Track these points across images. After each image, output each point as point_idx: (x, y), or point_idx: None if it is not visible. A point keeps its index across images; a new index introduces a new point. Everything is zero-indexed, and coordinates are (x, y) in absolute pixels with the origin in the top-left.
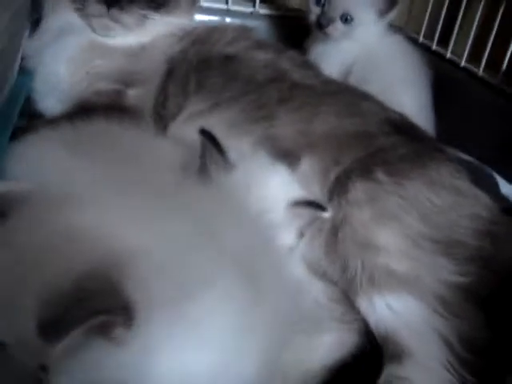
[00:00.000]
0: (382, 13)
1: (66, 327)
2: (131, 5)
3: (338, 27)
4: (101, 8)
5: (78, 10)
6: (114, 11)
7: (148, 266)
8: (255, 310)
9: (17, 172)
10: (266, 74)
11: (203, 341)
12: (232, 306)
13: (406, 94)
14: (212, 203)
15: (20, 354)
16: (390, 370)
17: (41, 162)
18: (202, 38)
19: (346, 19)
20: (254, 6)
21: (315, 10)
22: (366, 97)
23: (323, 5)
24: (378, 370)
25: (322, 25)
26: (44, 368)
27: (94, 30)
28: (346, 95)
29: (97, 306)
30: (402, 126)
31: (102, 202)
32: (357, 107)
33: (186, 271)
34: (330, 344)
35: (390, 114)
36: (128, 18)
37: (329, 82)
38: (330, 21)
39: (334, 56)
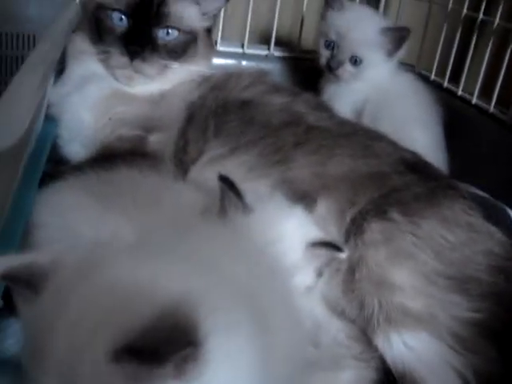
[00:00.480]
0: (391, 52)
1: (165, 353)
2: (153, 56)
3: (347, 69)
4: (124, 60)
5: (101, 60)
6: (137, 62)
7: (207, 305)
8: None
9: (43, 218)
10: (281, 118)
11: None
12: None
13: (419, 131)
14: (228, 243)
15: None
16: None
17: (67, 209)
18: (220, 83)
19: (355, 61)
20: (268, 48)
21: (325, 54)
22: (379, 137)
23: (333, 48)
24: None
25: (332, 67)
26: None
27: (117, 80)
28: (359, 137)
29: (177, 341)
30: (415, 165)
31: (134, 256)
32: (370, 148)
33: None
34: (348, 381)
35: (404, 154)
36: (150, 68)
37: (343, 124)
38: (340, 63)
39: (346, 96)
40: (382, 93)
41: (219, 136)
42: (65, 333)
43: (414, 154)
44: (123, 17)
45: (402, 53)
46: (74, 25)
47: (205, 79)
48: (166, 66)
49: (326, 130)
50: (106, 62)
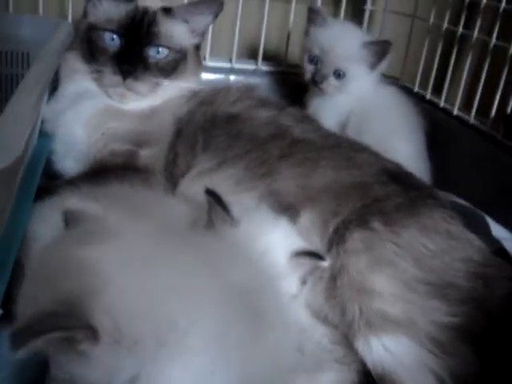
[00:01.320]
0: (373, 65)
1: (27, 336)
2: (144, 74)
3: (331, 83)
4: (117, 79)
5: (94, 79)
6: (129, 81)
7: (117, 300)
8: (253, 342)
9: (39, 231)
10: (267, 131)
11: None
12: (227, 336)
13: (401, 142)
14: (215, 249)
15: None
16: None
17: (61, 222)
18: (208, 98)
19: (339, 75)
20: (256, 63)
21: (309, 68)
22: (362, 149)
23: (316, 63)
24: None
25: (316, 82)
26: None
27: (109, 97)
28: (343, 148)
29: (60, 323)
30: (397, 176)
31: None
32: (353, 160)
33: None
34: (329, 382)
35: (386, 164)
36: (142, 86)
37: (327, 136)
38: (324, 77)
39: (331, 109)
40: (366, 105)
41: (207, 150)
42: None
43: (396, 164)
44: (115, 36)
45: (384, 65)
46: (66, 44)
47: (194, 94)
48: (157, 84)
49: (310, 142)
50: (99, 80)
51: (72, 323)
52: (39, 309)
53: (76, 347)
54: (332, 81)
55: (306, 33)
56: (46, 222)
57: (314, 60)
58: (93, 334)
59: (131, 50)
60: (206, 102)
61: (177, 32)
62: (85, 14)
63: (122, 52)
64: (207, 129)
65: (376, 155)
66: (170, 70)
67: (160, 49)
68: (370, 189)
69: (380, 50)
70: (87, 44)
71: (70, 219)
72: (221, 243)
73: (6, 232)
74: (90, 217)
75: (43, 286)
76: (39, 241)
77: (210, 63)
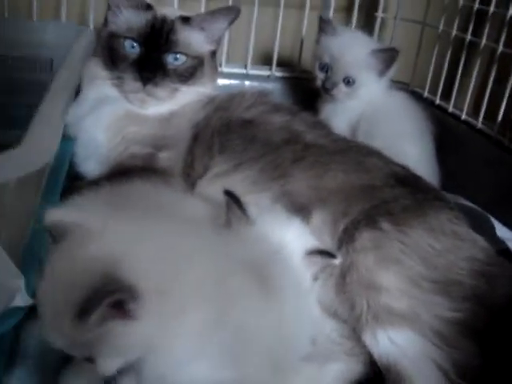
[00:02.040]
0: (382, 72)
1: (92, 305)
2: (164, 80)
3: (341, 89)
4: (138, 85)
5: (115, 85)
6: (149, 87)
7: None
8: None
9: None
10: (281, 136)
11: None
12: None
13: (411, 146)
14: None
15: (74, 353)
16: None
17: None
18: (224, 104)
19: (349, 82)
20: (270, 69)
21: (320, 76)
22: (371, 153)
23: (327, 70)
24: None
25: (327, 88)
26: (90, 359)
27: (130, 103)
28: (353, 153)
29: (108, 288)
30: (405, 179)
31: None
32: (362, 164)
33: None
34: (339, 371)
35: (394, 168)
36: (161, 92)
37: (338, 141)
38: (334, 84)
39: (342, 114)
40: (376, 110)
41: (223, 153)
42: (50, 298)
43: (404, 168)
44: (135, 44)
45: (392, 72)
46: (89, 51)
47: (210, 99)
48: (175, 89)
49: (322, 146)
50: (120, 86)
51: (117, 286)
52: (90, 286)
53: (124, 312)
54: (342, 88)
55: (317, 41)
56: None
57: (324, 68)
58: (135, 292)
59: (151, 57)
60: (221, 107)
61: (194, 40)
62: (105, 23)
63: (141, 59)
64: (223, 133)
65: (385, 159)
66: (188, 76)
67: (178, 56)
68: (378, 191)
69: (388, 57)
70: (108, 51)
71: (56, 233)
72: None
73: (35, 228)
74: (74, 225)
75: (74, 283)
76: None
77: (225, 69)
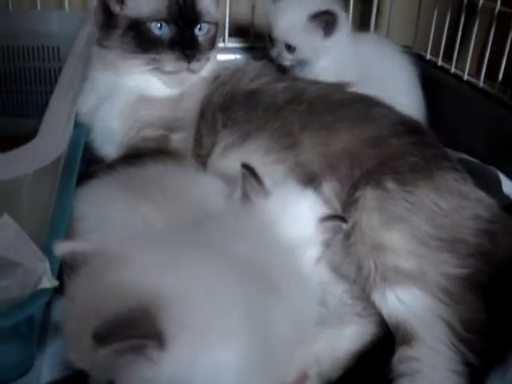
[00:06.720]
0: (328, 33)
1: (111, 335)
2: (201, 54)
3: (286, 57)
4: (182, 64)
5: (155, 69)
6: (194, 64)
7: (180, 306)
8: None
9: (82, 212)
10: (283, 97)
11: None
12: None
13: (402, 95)
14: (244, 228)
15: (96, 375)
16: (401, 352)
17: (102, 203)
18: (226, 79)
19: (289, 47)
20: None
21: (269, 46)
22: (376, 103)
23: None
24: (391, 352)
25: (274, 58)
26: (111, 382)
27: (166, 85)
28: (359, 104)
29: (135, 332)
30: (412, 126)
31: (144, 258)
32: (369, 115)
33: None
34: (353, 334)
35: (401, 116)
36: (200, 66)
37: (343, 93)
38: (279, 54)
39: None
40: (351, 64)
41: (227, 126)
42: (72, 319)
43: (409, 116)
44: (167, 25)
45: (345, 29)
46: (93, 38)
47: (215, 76)
48: (207, 59)
49: (325, 102)
50: (159, 69)
51: (147, 331)
52: (117, 314)
53: (145, 353)
54: (286, 55)
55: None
56: (87, 203)
57: (271, 40)
58: (161, 341)
59: (185, 34)
60: (224, 82)
61: (211, 6)
62: (111, 13)
63: (177, 37)
64: (226, 106)
65: (389, 108)
66: (211, 44)
67: (204, 25)
68: (385, 144)
69: (324, 20)
70: (132, 38)
71: (72, 264)
72: (252, 220)
73: (54, 214)
74: (88, 252)
75: (97, 310)
76: (82, 220)
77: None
